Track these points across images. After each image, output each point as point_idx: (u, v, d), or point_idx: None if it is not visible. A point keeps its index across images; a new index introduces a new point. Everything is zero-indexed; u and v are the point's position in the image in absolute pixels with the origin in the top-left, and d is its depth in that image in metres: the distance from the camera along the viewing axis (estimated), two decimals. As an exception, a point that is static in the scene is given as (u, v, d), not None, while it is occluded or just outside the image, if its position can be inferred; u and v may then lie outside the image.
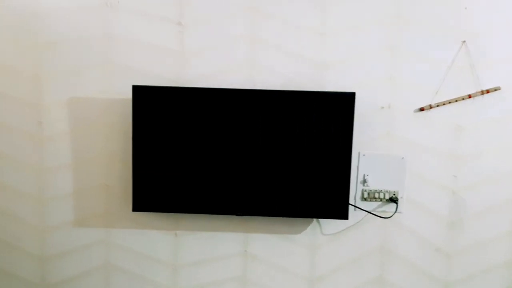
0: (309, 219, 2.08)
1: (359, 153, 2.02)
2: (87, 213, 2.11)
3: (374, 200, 2.04)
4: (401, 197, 2.03)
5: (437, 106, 1.99)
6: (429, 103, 1.99)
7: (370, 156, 2.03)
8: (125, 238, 2.12)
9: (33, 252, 2.14)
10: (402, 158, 2.02)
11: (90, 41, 2.01)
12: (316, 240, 2.10)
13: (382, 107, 2.01)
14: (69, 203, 2.11)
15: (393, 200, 2.02)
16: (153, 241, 2.12)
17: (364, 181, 2.04)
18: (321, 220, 2.08)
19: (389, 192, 2.03)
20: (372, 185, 2.04)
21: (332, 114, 1.89)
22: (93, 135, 2.06)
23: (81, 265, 2.15)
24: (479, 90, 1.97)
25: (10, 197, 2.10)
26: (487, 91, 1.97)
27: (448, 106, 1.99)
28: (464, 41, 1.95)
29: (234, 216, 2.07)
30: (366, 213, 2.05)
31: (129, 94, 1.95)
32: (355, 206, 2.04)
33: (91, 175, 2.08)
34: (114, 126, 2.05)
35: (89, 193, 2.10)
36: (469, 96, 1.98)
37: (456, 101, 1.98)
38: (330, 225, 2.08)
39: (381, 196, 2.03)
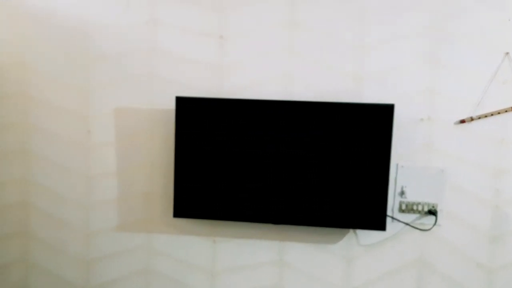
0: (346, 230, 2.08)
1: (397, 165, 2.02)
2: (130, 219, 2.19)
3: (412, 212, 2.02)
4: (440, 210, 2.01)
5: (479, 118, 1.96)
6: (470, 115, 1.97)
7: (409, 168, 2.02)
8: (165, 244, 2.19)
9: (78, 256, 2.24)
10: (442, 170, 2.00)
11: (135, 55, 2.11)
12: (352, 251, 2.10)
13: (422, 119, 2.00)
14: (113, 209, 2.20)
15: (432, 212, 2.00)
16: (192, 247, 2.18)
17: (402, 193, 2.03)
18: (357, 230, 2.08)
19: (428, 205, 2.01)
20: (410, 197, 2.02)
21: (370, 125, 1.90)
22: (136, 144, 2.15)
23: (123, 268, 2.23)
24: (523, 102, 1.94)
25: (58, 202, 2.21)
26: (531, 103, 1.93)
27: (490, 118, 1.96)
28: (507, 53, 1.92)
29: (271, 225, 2.10)
30: (404, 225, 2.03)
31: (170, 105, 2.03)
32: (392, 218, 2.03)
33: (134, 183, 2.17)
34: (156, 135, 2.13)
35: (131, 200, 2.18)
36: (512, 108, 1.94)
37: (499, 113, 1.94)
38: (367, 236, 2.08)
39: (420, 208, 2.01)
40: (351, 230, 2.09)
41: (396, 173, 2.02)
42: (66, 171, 2.19)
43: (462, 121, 1.97)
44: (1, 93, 2.17)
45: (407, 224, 2.02)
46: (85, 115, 2.16)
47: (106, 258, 2.23)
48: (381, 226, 1.94)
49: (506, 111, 1.94)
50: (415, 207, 2.02)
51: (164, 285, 2.22)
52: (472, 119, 1.96)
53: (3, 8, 2.13)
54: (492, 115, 1.95)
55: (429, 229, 2.01)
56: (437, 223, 2.00)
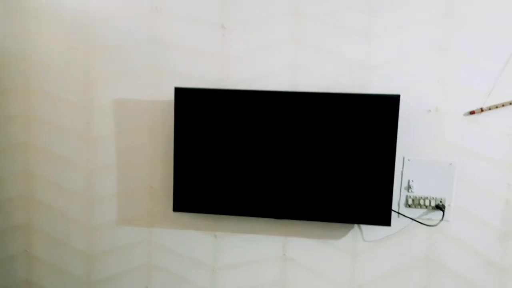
0: (350, 225, 2.03)
1: (403, 158, 1.95)
2: (131, 213, 2.17)
3: (419, 207, 1.95)
4: (448, 205, 1.93)
5: (489, 109, 1.88)
6: (480, 107, 1.89)
7: (416, 161, 1.95)
8: (166, 238, 2.16)
9: (80, 249, 2.23)
10: (450, 164, 1.92)
11: (136, 46, 2.08)
12: (356, 247, 2.04)
13: (429, 110, 1.93)
14: (114, 203, 2.18)
15: (440, 207, 1.92)
16: (193, 242, 2.15)
17: (409, 187, 1.96)
18: (362, 226, 2.02)
19: (436, 199, 1.94)
20: (417, 192, 1.96)
21: (376, 117, 1.83)
22: (137, 136, 2.12)
23: (125, 263, 2.21)
24: (536, 92, 1.85)
25: (60, 195, 2.20)
26: (545, 94, 1.84)
27: (501, 109, 1.88)
28: (519, 41, 1.84)
29: (274, 219, 2.06)
30: (410, 220, 1.97)
31: (172, 97, 1.99)
32: (398, 213, 1.97)
33: (135, 176, 2.14)
34: (157, 127, 2.10)
35: (132, 194, 2.16)
36: (525, 99, 1.86)
37: (511, 104, 1.86)
38: (372, 231, 2.02)
39: (427, 203, 1.94)
40: (355, 226, 2.03)
41: (403, 166, 1.96)
42: (68, 164, 2.18)
43: (472, 113, 1.89)
44: (1, 86, 2.16)
45: (413, 219, 1.96)
46: (85, 106, 2.13)
47: (107, 253, 2.21)
48: (386, 222, 1.88)
49: (518, 101, 1.86)
50: (422, 202, 1.95)
51: (165, 280, 2.19)
52: (482, 110, 1.88)
53: (4, 0, 2.11)
54: (503, 106, 1.87)
55: (436, 225, 1.94)
56: (444, 218, 1.93)
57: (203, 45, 2.03)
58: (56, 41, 2.12)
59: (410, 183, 1.96)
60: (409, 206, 1.97)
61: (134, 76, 2.09)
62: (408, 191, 1.96)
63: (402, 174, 1.97)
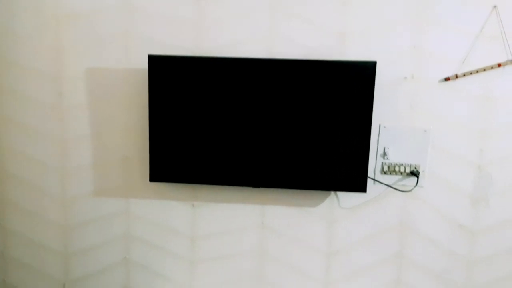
0: (327, 192, 2.04)
1: (379, 126, 1.96)
2: (107, 184, 2.14)
3: (394, 173, 1.98)
4: (423, 171, 1.96)
5: (464, 75, 1.89)
6: (455, 73, 1.90)
7: (391, 128, 1.96)
8: (144, 209, 2.15)
9: (56, 222, 2.20)
10: (425, 130, 1.94)
11: (109, 12, 2.00)
12: (333, 214, 2.06)
13: (405, 78, 1.93)
14: (89, 174, 2.14)
15: (414, 174, 1.95)
16: (171, 212, 2.14)
17: (384, 154, 1.98)
18: (339, 193, 2.04)
19: (410, 166, 1.97)
20: (393, 159, 1.98)
21: (352, 84, 1.83)
22: (111, 106, 2.07)
23: (102, 234, 2.19)
24: (510, 58, 1.86)
25: (33, 168, 2.15)
26: (519, 60, 1.86)
27: (475, 75, 1.89)
28: (495, 6, 1.83)
29: (251, 188, 2.06)
30: (386, 187, 1.99)
31: (146, 65, 1.94)
32: (374, 180, 1.99)
33: (110, 146, 2.11)
34: (132, 97, 2.05)
35: (108, 164, 2.12)
36: (499, 65, 1.87)
37: (485, 70, 1.88)
38: (348, 198, 2.04)
39: (402, 169, 1.97)
40: (332, 193, 2.05)
41: (379, 134, 1.97)
42: (40, 136, 2.12)
43: (447, 79, 1.90)
44: (-33, 54, 2.07)
45: (388, 185, 1.99)
46: (56, 76, 2.07)
47: (84, 224, 2.19)
48: (362, 188, 1.90)
49: (492, 67, 1.87)
50: (397, 169, 1.97)
51: (144, 250, 2.19)
52: (457, 76, 1.89)
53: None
54: (477, 72, 1.88)
55: (410, 191, 1.98)
56: (418, 184, 1.96)
57: (177, 11, 1.97)
58: (24, 8, 2.02)
59: (386, 150, 1.97)
60: (385, 173, 1.99)
61: (105, 44, 2.03)
62: (383, 158, 1.98)
63: (378, 142, 1.98)
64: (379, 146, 1.98)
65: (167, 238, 2.17)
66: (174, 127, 1.93)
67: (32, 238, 2.22)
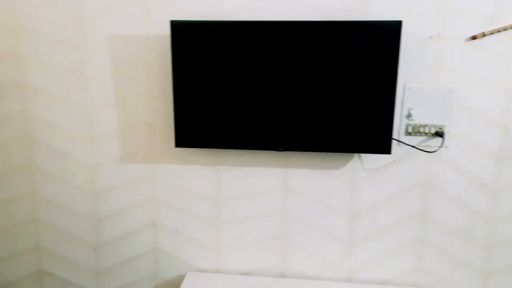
0: (350, 154, 2.06)
1: (404, 86, 1.94)
2: (133, 150, 2.18)
3: (418, 134, 1.98)
4: (448, 132, 1.96)
5: (491, 34, 1.85)
6: (482, 31, 1.85)
7: (416, 89, 1.94)
8: (169, 173, 2.19)
9: (85, 187, 2.26)
10: (451, 90, 1.92)
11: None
12: (357, 175, 2.08)
13: (431, 37, 1.90)
14: (114, 140, 2.17)
15: (439, 134, 1.95)
16: (195, 176, 2.18)
17: (409, 115, 1.97)
18: (362, 155, 2.05)
19: (435, 126, 1.96)
20: (417, 119, 1.97)
21: (377, 45, 1.80)
22: (133, 73, 2.08)
23: (129, 198, 2.25)
24: (541, 14, 1.81)
25: (59, 135, 2.19)
26: (550, 15, 1.81)
27: (503, 33, 1.85)
28: (526, -41, 1.77)
29: (275, 152, 2.08)
30: (410, 148, 2.00)
31: (167, 31, 1.93)
32: (398, 141, 1.99)
33: (134, 113, 2.13)
34: (154, 63, 2.05)
35: (133, 131, 2.15)
36: (529, 22, 1.82)
37: (513, 27, 1.83)
38: (372, 160, 2.05)
39: (427, 130, 1.96)
40: (355, 155, 2.06)
41: (403, 94, 1.95)
42: (65, 104, 2.15)
43: (474, 37, 1.86)
44: (-11, 23, 2.08)
45: (413, 146, 1.99)
46: (77, 44, 2.07)
47: (112, 189, 2.25)
48: (387, 150, 1.90)
49: (521, 24, 1.82)
50: (422, 130, 1.97)
51: (170, 213, 2.25)
52: (484, 34, 1.85)
53: None
54: (505, 30, 1.83)
55: (435, 151, 1.98)
56: (444, 144, 1.96)
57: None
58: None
59: (410, 111, 1.96)
60: (409, 134, 1.99)
61: (127, 10, 2.01)
62: (408, 119, 1.98)
63: (402, 102, 1.97)
64: (403, 107, 1.97)
65: (192, 202, 2.22)
66: (198, 93, 1.94)
67: (62, 204, 2.29)
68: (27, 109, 2.17)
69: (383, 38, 1.79)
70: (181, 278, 2.31)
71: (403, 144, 2.00)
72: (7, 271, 2.40)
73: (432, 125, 1.96)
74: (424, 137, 1.99)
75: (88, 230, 2.31)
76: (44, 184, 2.27)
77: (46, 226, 2.33)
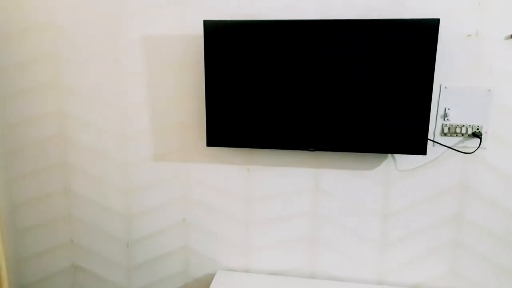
0: (384, 155, 2.03)
1: (440, 86, 1.90)
2: (165, 149, 2.21)
3: (455, 135, 1.93)
4: (485, 132, 1.91)
5: (533, 31, 1.79)
6: (524, 29, 1.80)
7: (453, 88, 1.90)
8: (200, 172, 2.21)
9: (119, 185, 2.30)
10: (489, 90, 1.87)
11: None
12: (390, 176, 2.05)
13: (469, 35, 1.85)
14: (147, 139, 2.21)
15: (476, 135, 1.90)
16: (227, 175, 2.19)
17: (445, 115, 1.93)
18: (396, 155, 2.02)
19: (472, 127, 1.91)
20: (454, 120, 1.93)
21: (413, 43, 1.77)
22: (167, 72, 2.10)
23: (161, 197, 2.28)
24: None
25: (94, 134, 2.24)
26: None
27: (545, 31, 1.79)
28: None
29: (306, 152, 2.07)
30: (445, 149, 1.95)
31: (200, 31, 1.94)
32: (434, 141, 1.95)
33: (166, 113, 2.15)
34: (187, 63, 2.08)
35: (166, 130, 2.18)
36: None
37: (557, 24, 1.77)
38: (406, 161, 2.02)
39: (463, 131, 1.92)
40: (389, 156, 2.03)
41: (439, 94, 1.92)
42: (99, 102, 2.19)
43: (514, 36, 1.81)
44: (27, 24, 2.14)
45: (449, 147, 1.94)
46: (113, 44, 2.11)
47: (144, 188, 2.28)
48: (422, 150, 1.87)
49: None
50: (458, 130, 1.92)
51: (201, 212, 2.27)
52: (526, 32, 1.80)
53: None
54: (549, 27, 1.78)
55: (472, 152, 1.93)
56: (481, 146, 1.91)
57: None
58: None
59: (447, 111, 1.92)
60: (445, 134, 1.95)
61: (160, 10, 2.04)
62: (444, 120, 1.93)
63: (438, 102, 1.93)
64: (439, 107, 1.93)
65: (223, 201, 2.23)
66: (230, 93, 1.95)
67: (96, 201, 2.33)
68: (63, 108, 2.23)
69: (419, 37, 1.76)
70: (210, 277, 2.33)
71: (438, 144, 1.95)
72: (43, 266, 2.46)
73: (469, 126, 1.91)
74: (460, 138, 1.94)
75: (121, 227, 2.35)
76: (79, 181, 2.32)
77: (80, 222, 2.38)
